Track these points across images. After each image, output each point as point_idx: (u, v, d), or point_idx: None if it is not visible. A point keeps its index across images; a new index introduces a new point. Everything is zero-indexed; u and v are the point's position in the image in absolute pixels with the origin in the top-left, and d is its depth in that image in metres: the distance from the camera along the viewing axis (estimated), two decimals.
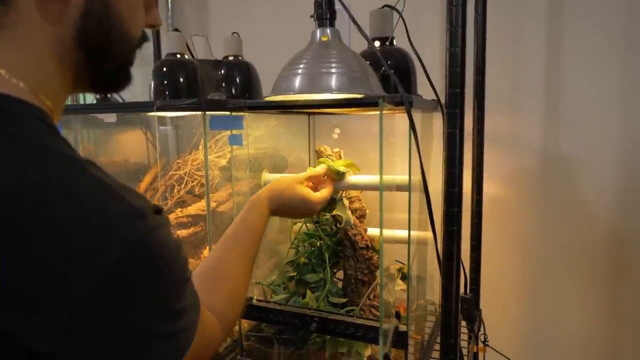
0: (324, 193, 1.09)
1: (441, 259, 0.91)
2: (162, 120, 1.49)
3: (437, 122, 1.27)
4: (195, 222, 1.41)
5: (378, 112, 0.92)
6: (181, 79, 1.22)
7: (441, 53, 1.51)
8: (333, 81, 0.90)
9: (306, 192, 1.05)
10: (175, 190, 1.45)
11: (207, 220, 1.22)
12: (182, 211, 1.42)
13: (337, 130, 1.50)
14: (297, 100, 0.99)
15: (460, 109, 0.86)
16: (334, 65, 0.91)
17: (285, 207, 1.01)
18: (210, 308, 0.68)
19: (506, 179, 1.55)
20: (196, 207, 1.42)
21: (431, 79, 1.16)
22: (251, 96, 1.30)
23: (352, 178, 1.17)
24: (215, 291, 0.74)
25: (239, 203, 1.18)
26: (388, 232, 1.17)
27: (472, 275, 1.42)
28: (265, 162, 1.31)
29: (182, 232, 1.39)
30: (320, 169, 1.14)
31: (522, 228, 1.57)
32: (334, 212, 1.19)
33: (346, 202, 1.20)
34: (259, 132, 1.30)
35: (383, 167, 0.94)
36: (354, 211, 1.22)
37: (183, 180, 1.45)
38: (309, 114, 1.53)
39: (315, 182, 1.13)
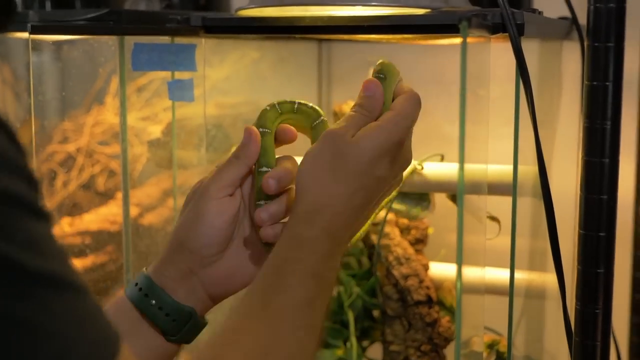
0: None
1: (573, 327, 0.80)
2: (34, 47, 1.12)
3: (571, 61, 1.07)
4: (99, 246, 1.22)
5: (456, 42, 0.88)
6: None
7: None
8: None
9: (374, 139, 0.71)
10: (60, 183, 1.22)
11: (124, 241, 1.05)
12: (72, 224, 1.22)
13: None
14: (302, 17, 0.87)
15: (616, 41, 0.74)
16: None
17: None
18: None
19: None
20: (100, 217, 1.23)
21: None
22: (210, 4, 1.17)
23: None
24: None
25: None
26: (471, 273, 0.96)
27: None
28: (237, 133, 1.10)
29: (74, 264, 1.16)
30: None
31: None
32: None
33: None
34: (225, 73, 1.15)
35: (464, 148, 0.74)
36: (404, 231, 1.10)
37: (74, 164, 1.24)
38: (319, 40, 1.35)
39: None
